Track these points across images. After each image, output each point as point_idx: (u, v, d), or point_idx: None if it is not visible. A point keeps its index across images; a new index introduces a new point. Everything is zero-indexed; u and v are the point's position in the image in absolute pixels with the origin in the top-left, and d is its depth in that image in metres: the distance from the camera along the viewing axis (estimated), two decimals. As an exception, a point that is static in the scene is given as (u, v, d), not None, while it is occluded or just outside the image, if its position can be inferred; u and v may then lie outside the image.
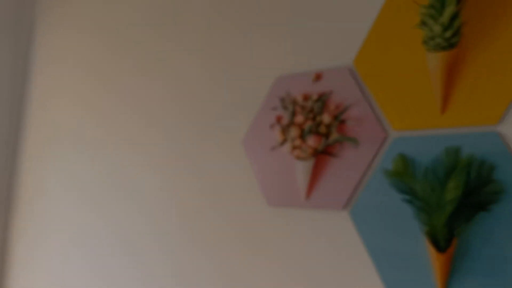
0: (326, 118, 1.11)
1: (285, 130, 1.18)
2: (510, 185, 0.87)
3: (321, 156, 1.11)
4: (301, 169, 1.13)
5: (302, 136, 1.14)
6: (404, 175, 0.99)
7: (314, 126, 1.13)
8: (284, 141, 1.17)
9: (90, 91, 1.63)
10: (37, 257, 1.68)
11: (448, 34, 0.96)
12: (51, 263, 1.63)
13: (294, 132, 1.15)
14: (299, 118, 1.15)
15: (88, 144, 1.59)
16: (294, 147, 1.15)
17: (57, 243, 1.62)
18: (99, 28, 1.64)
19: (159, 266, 1.33)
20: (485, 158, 0.90)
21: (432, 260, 0.93)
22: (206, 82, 1.33)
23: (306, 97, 1.16)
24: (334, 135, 1.10)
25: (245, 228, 1.20)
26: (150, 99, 1.45)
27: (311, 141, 1.12)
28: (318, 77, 1.15)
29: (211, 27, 1.35)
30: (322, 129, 1.11)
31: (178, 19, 1.42)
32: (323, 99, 1.13)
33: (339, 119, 1.10)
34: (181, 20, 1.41)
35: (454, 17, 0.95)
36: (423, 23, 0.99)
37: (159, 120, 1.42)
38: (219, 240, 1.24)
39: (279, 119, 1.20)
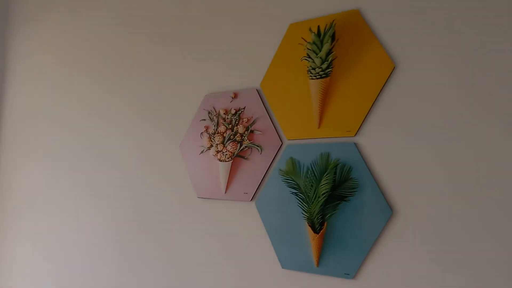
0: (240, 128, 1.40)
1: (211, 137, 1.46)
2: (362, 182, 1.17)
3: (237, 159, 1.40)
4: (222, 169, 1.42)
5: (223, 143, 1.43)
6: (293, 173, 1.28)
7: (232, 135, 1.41)
8: (210, 146, 1.46)
9: (58, 105, 1.90)
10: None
11: (324, 66, 1.25)
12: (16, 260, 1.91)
13: (218, 139, 1.44)
14: (222, 128, 1.44)
15: (52, 151, 1.87)
16: (218, 151, 1.44)
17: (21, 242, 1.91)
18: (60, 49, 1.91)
19: (109, 257, 1.63)
20: (346, 161, 1.20)
21: (310, 239, 1.23)
22: (154, 98, 1.61)
23: (226, 111, 1.44)
24: (246, 142, 1.39)
25: (179, 214, 1.49)
26: (113, 109, 1.73)
27: (230, 146, 1.41)
28: (235, 95, 1.43)
29: (158, 53, 1.62)
30: (238, 137, 1.40)
31: (133, 51, 1.69)
32: (238, 113, 1.42)
33: (249, 130, 1.39)
34: (134, 51, 1.69)
35: (328, 53, 1.24)
36: (308, 56, 1.28)
37: (119, 125, 1.69)
38: (159, 226, 1.53)
39: (207, 128, 1.48)
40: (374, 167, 1.16)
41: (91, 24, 1.83)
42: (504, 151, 1.01)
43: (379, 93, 1.16)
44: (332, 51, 1.24)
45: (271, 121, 1.34)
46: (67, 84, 1.88)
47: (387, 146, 1.14)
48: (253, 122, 1.38)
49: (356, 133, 1.20)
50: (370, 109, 1.17)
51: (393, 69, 1.15)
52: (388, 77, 1.15)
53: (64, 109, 1.87)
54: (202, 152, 1.48)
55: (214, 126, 1.46)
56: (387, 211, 1.12)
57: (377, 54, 1.17)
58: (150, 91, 1.62)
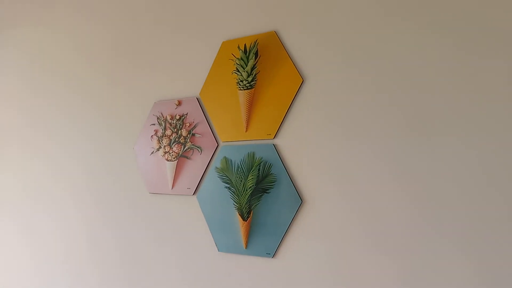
0: (184, 132, 1.62)
1: (159, 140, 1.68)
2: (279, 177, 1.40)
3: (181, 158, 1.62)
4: (169, 168, 1.64)
5: (170, 144, 1.64)
6: (226, 170, 1.50)
7: (177, 138, 1.63)
8: (159, 148, 1.68)
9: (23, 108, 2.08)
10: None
11: (249, 79, 1.47)
12: None
13: (165, 141, 1.65)
14: (168, 132, 1.66)
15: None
16: (165, 152, 1.65)
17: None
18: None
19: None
20: (267, 159, 1.42)
21: (240, 226, 1.46)
22: (111, 104, 1.81)
23: (172, 117, 1.66)
24: (188, 144, 1.60)
25: (132, 207, 1.71)
26: (74, 112, 1.92)
27: (175, 148, 1.63)
28: (179, 103, 1.65)
29: (113, 65, 1.82)
30: (182, 140, 1.62)
31: (92, 65, 1.89)
32: (182, 119, 1.63)
33: (191, 133, 1.60)
34: (93, 65, 1.88)
35: (253, 67, 1.46)
36: (237, 70, 1.49)
37: (79, 127, 1.89)
38: (115, 217, 1.74)
39: (156, 132, 1.70)
40: (288, 164, 1.39)
41: (49, 42, 2.01)
42: (384, 147, 1.25)
43: (291, 102, 1.39)
44: (255, 66, 1.46)
45: (209, 125, 1.56)
46: (33, 88, 2.06)
47: (298, 147, 1.38)
48: (194, 126, 1.60)
49: (275, 136, 1.42)
50: (284, 116, 1.40)
51: (301, 83, 1.38)
52: (298, 90, 1.38)
53: (30, 112, 2.06)
54: (152, 153, 1.69)
55: (162, 130, 1.67)
56: (298, 200, 1.36)
57: (289, 70, 1.40)
58: (107, 98, 1.82)
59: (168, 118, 1.66)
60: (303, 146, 1.37)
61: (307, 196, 1.35)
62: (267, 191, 1.42)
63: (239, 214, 1.46)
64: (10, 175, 2.08)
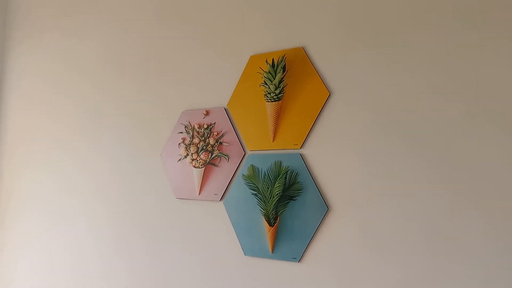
0: (211, 140, 1.69)
1: (187, 147, 1.75)
2: (306, 185, 1.47)
3: (208, 166, 1.69)
4: (196, 174, 1.71)
5: (197, 152, 1.72)
6: (253, 178, 1.58)
7: (205, 146, 1.71)
8: (186, 155, 1.75)
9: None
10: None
11: (277, 91, 1.55)
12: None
13: (192, 149, 1.73)
14: (196, 140, 1.73)
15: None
16: (192, 159, 1.73)
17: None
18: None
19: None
20: (294, 168, 1.50)
21: (266, 231, 1.53)
22: (142, 113, 1.89)
23: (200, 126, 1.74)
24: (216, 152, 1.68)
25: (160, 212, 1.78)
26: (106, 120, 2.00)
27: (203, 155, 1.70)
28: (207, 113, 1.73)
29: (143, 72, 1.90)
30: (209, 148, 1.70)
31: (123, 77, 1.97)
32: (210, 128, 1.71)
33: (219, 142, 1.68)
34: (124, 77, 1.96)
35: (280, 81, 1.54)
36: (264, 83, 1.58)
37: (110, 132, 1.97)
38: (143, 223, 1.82)
39: (183, 140, 1.77)
40: (314, 173, 1.47)
41: (81, 49, 2.10)
42: (408, 166, 1.32)
43: (318, 114, 1.47)
44: (283, 79, 1.55)
45: (236, 135, 1.64)
46: (64, 92, 2.14)
47: (325, 156, 1.45)
48: (222, 135, 1.68)
49: (301, 146, 1.50)
50: (311, 127, 1.48)
51: (328, 96, 1.46)
52: (325, 102, 1.46)
53: (63, 114, 2.14)
54: (179, 160, 1.77)
55: (190, 138, 1.75)
56: (324, 208, 1.43)
57: (316, 84, 1.48)
58: (136, 105, 1.90)
59: (196, 127, 1.74)
60: (329, 156, 1.45)
61: (333, 204, 1.43)
62: (294, 198, 1.49)
63: (266, 220, 1.53)
64: (44, 174, 2.15)
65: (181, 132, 1.78)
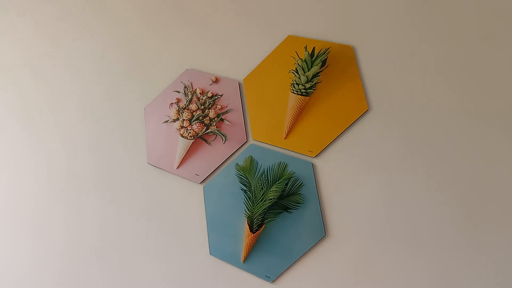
0: (211, 113, 1.44)
1: (180, 111, 1.48)
2: (308, 200, 1.27)
3: (199, 140, 1.44)
4: (181, 145, 1.45)
5: (191, 120, 1.46)
6: (248, 171, 1.35)
7: (202, 116, 1.45)
8: (176, 119, 1.48)
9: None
10: None
11: (308, 85, 1.32)
12: None
13: (186, 115, 1.46)
14: (193, 106, 1.47)
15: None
16: (182, 127, 1.46)
17: None
18: None
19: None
20: (299, 177, 1.29)
21: (245, 235, 1.31)
22: (140, 53, 1.59)
23: (203, 92, 1.47)
24: (213, 128, 1.43)
25: (125, 173, 1.50)
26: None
27: (196, 126, 1.44)
28: (216, 80, 1.47)
29: (163, 15, 1.59)
30: (206, 120, 1.44)
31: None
32: (214, 98, 1.45)
33: (220, 117, 1.43)
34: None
35: (315, 75, 1.32)
36: (295, 71, 1.35)
37: (86, 64, 1.64)
38: (102, 179, 1.52)
39: (178, 101, 1.50)
40: (322, 189, 1.27)
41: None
42: (432, 210, 1.16)
43: (347, 127, 1.27)
44: (319, 74, 1.33)
45: (243, 116, 1.40)
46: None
47: (340, 174, 1.26)
48: (226, 112, 1.43)
49: (317, 155, 1.30)
50: (335, 139, 1.28)
51: (365, 111, 1.26)
52: (359, 117, 1.27)
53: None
54: (166, 121, 1.49)
55: (187, 102, 1.48)
56: (321, 232, 1.24)
57: (356, 93, 1.28)
58: (139, 48, 1.59)
59: (198, 91, 1.47)
60: (345, 175, 1.25)
61: (333, 230, 1.24)
62: (289, 210, 1.28)
63: (248, 223, 1.31)
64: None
65: (178, 92, 1.50)
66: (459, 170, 1.17)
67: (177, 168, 1.44)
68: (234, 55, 1.46)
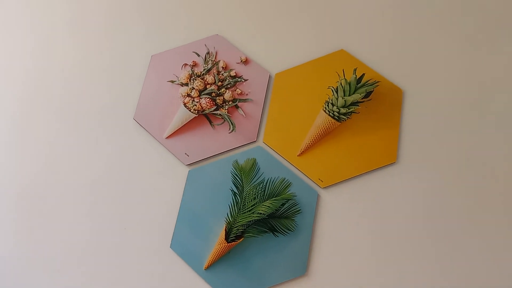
0: (228, 95, 1.25)
1: (192, 76, 1.27)
2: (299, 230, 1.14)
3: (202, 117, 1.24)
4: (180, 115, 1.24)
5: (201, 92, 1.26)
6: (245, 174, 1.18)
7: (215, 93, 1.25)
8: (185, 84, 1.27)
9: None
10: None
11: (343, 110, 1.19)
12: None
13: (197, 84, 1.26)
14: (210, 78, 1.27)
15: None
16: (188, 95, 1.25)
17: None
18: None
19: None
20: (300, 202, 1.16)
21: (217, 242, 1.15)
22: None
23: (226, 67, 1.28)
24: (223, 111, 1.24)
25: (103, 124, 1.26)
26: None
27: (204, 101, 1.24)
28: (246, 61, 1.28)
29: None
30: (219, 100, 1.25)
31: None
32: (236, 80, 1.26)
33: (236, 103, 1.25)
34: None
35: (354, 103, 1.19)
36: (335, 90, 1.21)
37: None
38: (73, 120, 1.26)
39: (194, 65, 1.29)
40: (318, 225, 1.15)
41: None
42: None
43: (369, 171, 1.16)
44: (358, 104, 1.20)
45: (262, 113, 1.23)
46: None
47: (342, 218, 1.15)
48: (244, 100, 1.25)
49: (326, 187, 1.17)
50: (351, 178, 1.17)
51: (392, 162, 1.17)
52: (384, 166, 1.17)
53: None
54: (172, 81, 1.28)
55: (204, 70, 1.27)
56: (302, 269, 1.12)
57: (391, 141, 1.18)
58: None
59: (221, 64, 1.28)
60: (346, 222, 1.14)
61: (313, 271, 1.12)
62: (276, 233, 1.15)
63: (226, 230, 1.15)
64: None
65: (198, 55, 1.29)
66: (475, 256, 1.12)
67: (167, 138, 1.23)
68: (277, 43, 1.28)
